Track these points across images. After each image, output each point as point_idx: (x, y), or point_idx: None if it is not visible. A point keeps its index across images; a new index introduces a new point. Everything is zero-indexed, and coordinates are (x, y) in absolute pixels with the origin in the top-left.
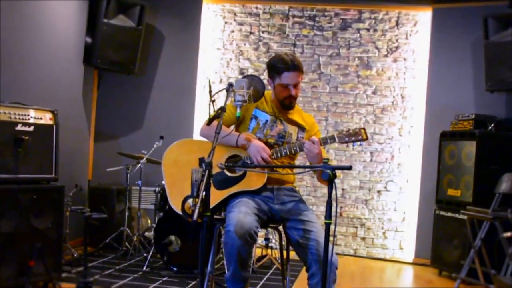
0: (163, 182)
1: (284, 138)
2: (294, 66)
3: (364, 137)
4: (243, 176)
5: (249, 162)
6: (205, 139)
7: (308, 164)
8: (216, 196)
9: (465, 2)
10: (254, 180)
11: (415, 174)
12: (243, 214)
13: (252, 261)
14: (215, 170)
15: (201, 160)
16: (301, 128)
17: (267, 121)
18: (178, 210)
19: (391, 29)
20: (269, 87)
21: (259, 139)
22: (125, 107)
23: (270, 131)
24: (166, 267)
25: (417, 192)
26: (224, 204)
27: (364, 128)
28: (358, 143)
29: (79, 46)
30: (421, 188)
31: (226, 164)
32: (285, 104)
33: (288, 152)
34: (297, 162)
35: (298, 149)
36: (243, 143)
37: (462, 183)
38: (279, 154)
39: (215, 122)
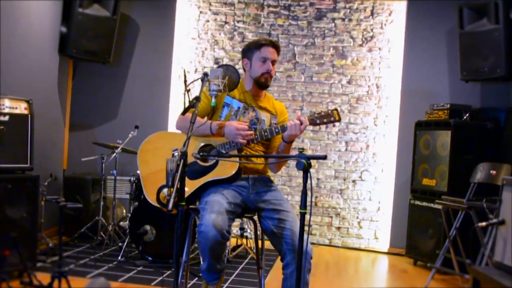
0: (138, 171)
1: (257, 124)
2: (273, 43)
3: (337, 118)
4: (215, 164)
5: (223, 151)
6: (181, 132)
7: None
8: (190, 185)
9: None
10: (227, 167)
11: (390, 164)
12: (215, 213)
13: (227, 252)
14: (190, 160)
15: (175, 151)
16: (273, 114)
17: (239, 108)
18: (153, 202)
19: (366, 19)
20: (243, 74)
21: None
22: (100, 97)
23: (243, 118)
24: (141, 256)
25: (392, 181)
26: (199, 192)
27: (336, 109)
28: (332, 124)
29: (54, 36)
30: (396, 177)
31: (200, 153)
32: (261, 81)
33: (269, 135)
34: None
35: (269, 134)
36: (217, 129)
37: (437, 172)
38: (258, 137)
39: (188, 113)
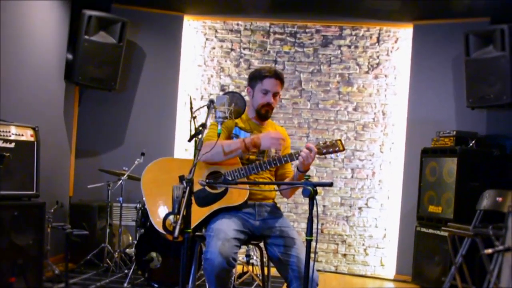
0: (144, 199)
1: (264, 153)
2: (277, 75)
3: (341, 148)
4: (224, 192)
5: (230, 178)
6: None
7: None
8: (198, 213)
9: (446, 18)
10: (236, 196)
11: (396, 191)
12: (221, 241)
13: (233, 279)
14: (197, 187)
15: (182, 178)
16: None
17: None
18: (160, 228)
19: (372, 46)
20: (248, 99)
21: (241, 157)
22: (106, 124)
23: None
24: (147, 283)
25: (398, 208)
26: (206, 221)
27: (340, 140)
28: (336, 154)
29: (60, 63)
30: (402, 204)
31: (207, 181)
32: (261, 113)
33: (278, 163)
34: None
35: (277, 162)
36: (252, 141)
37: (443, 199)
38: (268, 165)
39: (210, 141)
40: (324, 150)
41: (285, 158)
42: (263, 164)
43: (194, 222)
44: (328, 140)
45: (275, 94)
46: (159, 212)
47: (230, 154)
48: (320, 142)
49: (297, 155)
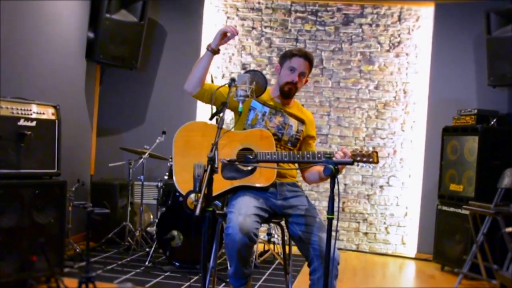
0: (172, 155)
1: (284, 129)
2: (306, 55)
3: (375, 160)
4: (252, 171)
5: (256, 157)
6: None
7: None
8: (221, 184)
9: None
10: (261, 179)
11: (417, 169)
12: (242, 216)
13: (254, 257)
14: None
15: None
16: (301, 121)
17: (265, 112)
18: (180, 188)
19: (393, 24)
20: (271, 80)
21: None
22: (127, 102)
23: (269, 123)
24: (168, 262)
25: (420, 187)
26: (229, 193)
27: (376, 152)
28: (368, 165)
29: (82, 41)
30: (423, 183)
31: (228, 159)
32: (284, 90)
33: (311, 158)
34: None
35: (321, 156)
36: (210, 43)
37: (464, 178)
38: (291, 159)
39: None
40: (358, 158)
41: (318, 155)
42: (296, 155)
43: (215, 191)
44: (365, 149)
45: (301, 74)
46: (183, 173)
47: (200, 62)
48: (357, 149)
49: (331, 155)
